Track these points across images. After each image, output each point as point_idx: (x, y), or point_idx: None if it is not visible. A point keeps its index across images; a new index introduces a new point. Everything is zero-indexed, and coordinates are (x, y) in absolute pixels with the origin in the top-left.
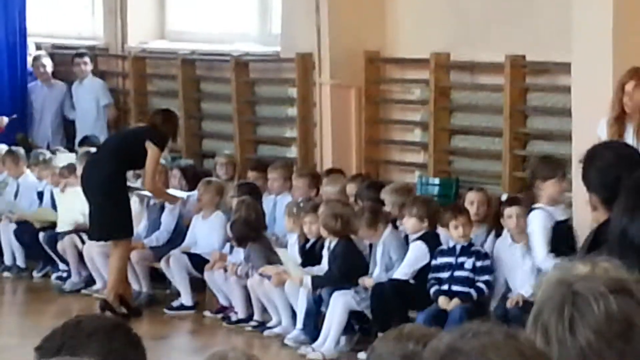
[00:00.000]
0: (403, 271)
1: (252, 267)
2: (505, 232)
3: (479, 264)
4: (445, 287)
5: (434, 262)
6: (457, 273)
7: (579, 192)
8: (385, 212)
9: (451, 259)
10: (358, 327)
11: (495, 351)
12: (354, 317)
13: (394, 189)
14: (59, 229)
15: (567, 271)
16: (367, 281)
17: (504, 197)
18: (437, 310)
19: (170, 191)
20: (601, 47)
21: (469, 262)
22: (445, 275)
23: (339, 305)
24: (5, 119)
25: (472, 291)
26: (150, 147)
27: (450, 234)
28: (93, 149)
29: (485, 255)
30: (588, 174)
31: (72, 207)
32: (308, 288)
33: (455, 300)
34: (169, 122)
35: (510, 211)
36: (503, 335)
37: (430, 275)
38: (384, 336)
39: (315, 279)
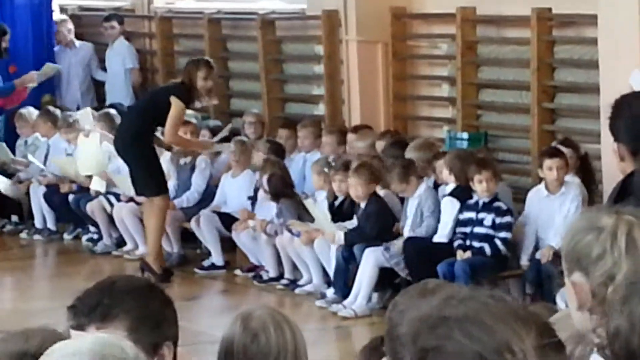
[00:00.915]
0: (442, 233)
1: (283, 223)
2: (541, 184)
3: (498, 220)
4: (467, 242)
5: (460, 217)
6: (476, 229)
7: (607, 144)
8: (418, 165)
9: (473, 214)
10: (389, 284)
11: (489, 314)
12: (384, 274)
13: (417, 146)
14: (81, 172)
15: (593, 220)
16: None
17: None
18: (454, 263)
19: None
20: None
21: (488, 219)
22: (467, 230)
23: (370, 262)
24: (35, 75)
25: (486, 247)
26: (174, 101)
27: (475, 189)
28: (112, 110)
29: (506, 212)
30: (616, 123)
31: (91, 153)
32: (340, 243)
33: (466, 254)
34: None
35: (550, 163)
36: (490, 297)
37: (457, 230)
38: (407, 292)
39: (348, 235)
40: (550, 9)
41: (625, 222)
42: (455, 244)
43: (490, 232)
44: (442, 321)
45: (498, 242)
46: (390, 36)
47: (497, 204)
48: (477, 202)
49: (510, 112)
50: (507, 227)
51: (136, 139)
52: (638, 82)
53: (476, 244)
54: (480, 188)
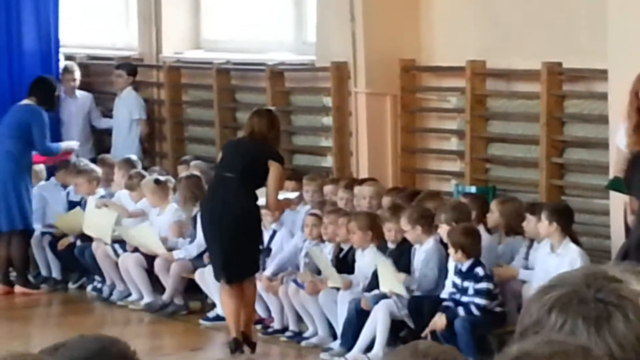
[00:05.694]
0: (448, 291)
1: (305, 265)
2: (544, 241)
3: (477, 286)
4: (452, 304)
5: (453, 279)
6: (463, 298)
7: (615, 199)
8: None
9: (459, 281)
10: (397, 337)
11: (563, 358)
12: (391, 327)
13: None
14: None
15: None
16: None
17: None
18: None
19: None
20: (637, 53)
21: (470, 288)
22: (456, 295)
23: (382, 313)
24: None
25: (461, 310)
26: (274, 165)
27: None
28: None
29: (482, 278)
30: (631, 178)
31: (102, 222)
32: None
33: (442, 319)
34: (274, 128)
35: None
36: (576, 346)
37: (450, 291)
38: (397, 351)
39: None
40: (560, 64)
41: None
42: (443, 303)
43: (471, 299)
44: (521, 355)
45: (472, 308)
46: (400, 89)
47: (476, 270)
48: (460, 269)
49: (518, 167)
50: (483, 293)
51: (245, 212)
52: (621, 140)
53: (459, 309)
54: (456, 257)
